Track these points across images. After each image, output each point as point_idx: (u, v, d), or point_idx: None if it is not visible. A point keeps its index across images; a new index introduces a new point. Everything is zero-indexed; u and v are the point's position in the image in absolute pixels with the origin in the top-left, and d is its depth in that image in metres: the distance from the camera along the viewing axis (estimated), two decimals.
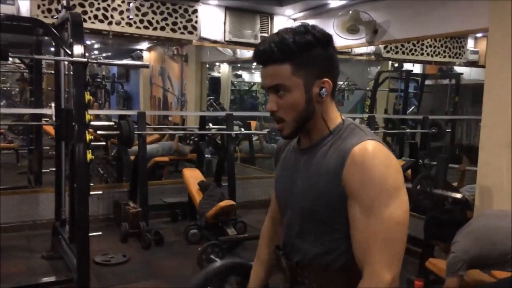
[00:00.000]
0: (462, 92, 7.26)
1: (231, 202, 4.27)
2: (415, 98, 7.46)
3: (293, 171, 1.19)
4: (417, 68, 7.53)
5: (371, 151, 1.03)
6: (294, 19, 5.45)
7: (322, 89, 1.09)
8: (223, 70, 9.04)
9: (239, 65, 10.17)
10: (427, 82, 7.39)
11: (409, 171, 4.83)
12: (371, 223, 1.00)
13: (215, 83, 8.91)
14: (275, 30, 5.48)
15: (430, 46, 6.20)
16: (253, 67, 12.20)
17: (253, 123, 8.62)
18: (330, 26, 4.80)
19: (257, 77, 13.29)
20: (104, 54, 7.85)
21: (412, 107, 7.45)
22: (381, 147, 1.06)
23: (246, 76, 12.84)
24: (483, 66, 6.71)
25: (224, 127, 5.23)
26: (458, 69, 7.13)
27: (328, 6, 4.78)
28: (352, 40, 4.44)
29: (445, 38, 6.16)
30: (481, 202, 3.53)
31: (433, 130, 5.93)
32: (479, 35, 6.32)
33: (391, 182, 1.01)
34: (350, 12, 4.25)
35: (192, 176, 4.71)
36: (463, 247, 2.27)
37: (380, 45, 5.38)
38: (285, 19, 5.50)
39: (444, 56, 6.39)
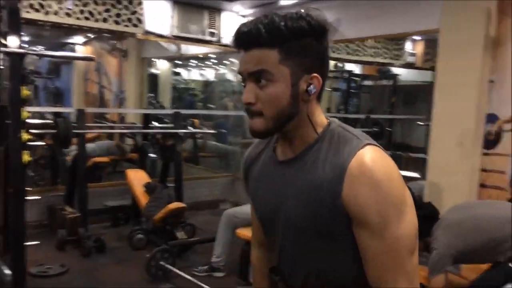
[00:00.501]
0: (399, 92, 7.53)
1: (181, 204, 4.08)
2: (352, 98, 7.60)
3: (277, 187, 1.05)
4: (357, 69, 7.70)
5: (370, 164, 0.91)
6: (243, 16, 5.33)
7: (310, 86, 0.95)
8: (162, 66, 8.73)
9: (180, 62, 9.90)
10: (367, 82, 7.58)
11: None
12: (384, 245, 0.90)
13: (155, 80, 8.59)
14: (224, 27, 5.41)
15: (372, 47, 6.36)
16: (192, 64, 11.95)
17: (196, 121, 8.38)
18: None
19: (195, 74, 13.04)
20: (35, 48, 7.26)
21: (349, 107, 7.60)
22: (378, 154, 0.94)
23: (184, 73, 12.56)
24: (419, 68, 7.05)
25: (167, 125, 5.04)
26: (395, 70, 7.37)
27: (279, 4, 4.71)
28: None
29: (386, 40, 6.34)
30: (430, 199, 3.61)
31: (375, 129, 6.07)
32: (417, 38, 6.57)
33: (397, 197, 0.91)
34: (304, 10, 4.20)
35: (137, 178, 4.45)
36: (445, 241, 2.22)
37: None
38: (233, 16, 5.36)
39: (385, 58, 6.58)
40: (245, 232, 3.51)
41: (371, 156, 0.92)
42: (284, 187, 1.03)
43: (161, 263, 3.51)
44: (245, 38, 0.95)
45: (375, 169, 0.90)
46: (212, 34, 5.27)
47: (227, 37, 5.36)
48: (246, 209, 3.73)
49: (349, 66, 7.33)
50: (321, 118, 1.01)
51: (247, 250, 3.50)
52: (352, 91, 7.04)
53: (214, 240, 3.72)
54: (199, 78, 13.22)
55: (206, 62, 11.75)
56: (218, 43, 5.39)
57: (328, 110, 7.06)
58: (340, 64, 6.82)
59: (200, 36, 5.19)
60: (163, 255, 3.55)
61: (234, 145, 6.85)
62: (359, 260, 0.96)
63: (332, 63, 7.10)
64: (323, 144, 0.98)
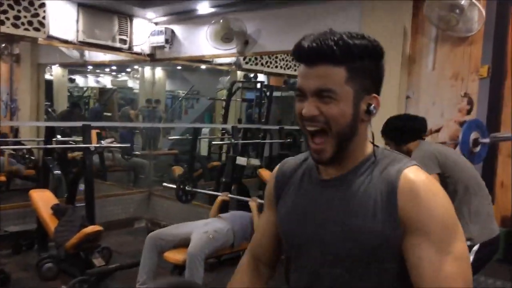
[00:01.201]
0: None
1: (97, 228, 3.70)
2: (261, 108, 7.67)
3: (318, 209, 1.00)
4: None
5: (425, 178, 0.92)
6: (156, 23, 5.09)
7: (370, 106, 0.95)
8: (57, 72, 8.06)
9: (76, 68, 9.23)
10: (275, 93, 7.71)
11: None
12: (445, 261, 0.87)
13: (49, 87, 7.88)
14: (136, 33, 5.11)
15: (283, 59, 6.48)
16: (89, 70, 11.21)
17: (94, 133, 7.82)
18: (199, 34, 4.62)
19: (91, 81, 12.25)
20: None
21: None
22: (427, 174, 0.95)
23: (80, 80, 11.77)
24: None
25: (73, 138, 4.63)
26: None
27: (196, 13, 4.56)
28: (224, 50, 4.30)
29: None
30: None
31: (289, 140, 6.18)
32: None
33: (452, 214, 0.91)
34: (225, 20, 4.11)
35: (43, 199, 3.98)
36: None
37: (240, 56, 5.37)
38: (146, 22, 5.09)
39: (295, 70, 6.74)
40: (174, 256, 3.30)
41: (424, 173, 0.94)
42: (327, 209, 0.98)
43: None
44: (313, 53, 0.92)
45: (431, 185, 0.91)
46: (123, 41, 4.96)
47: (140, 44, 5.08)
48: (172, 231, 3.51)
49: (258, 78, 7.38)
50: (368, 142, 1.01)
51: (176, 274, 3.29)
52: (263, 102, 7.09)
53: (137, 265, 3.44)
54: (96, 85, 12.48)
55: (105, 69, 11.11)
56: (130, 50, 5.08)
57: (240, 121, 7.04)
58: (250, 75, 6.83)
59: (110, 43, 4.84)
60: (81, 286, 3.20)
61: (143, 157, 6.52)
62: None
63: (238, 73, 7.09)
64: (373, 164, 0.97)
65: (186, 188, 4.59)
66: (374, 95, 0.96)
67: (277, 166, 1.16)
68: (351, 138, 0.95)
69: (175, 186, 4.66)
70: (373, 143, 1.01)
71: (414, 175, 0.92)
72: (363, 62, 0.92)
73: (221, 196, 4.02)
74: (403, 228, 0.90)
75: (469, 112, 3.23)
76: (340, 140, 0.93)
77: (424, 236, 0.88)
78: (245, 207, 4.22)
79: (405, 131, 2.58)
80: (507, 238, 2.97)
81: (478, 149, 3.18)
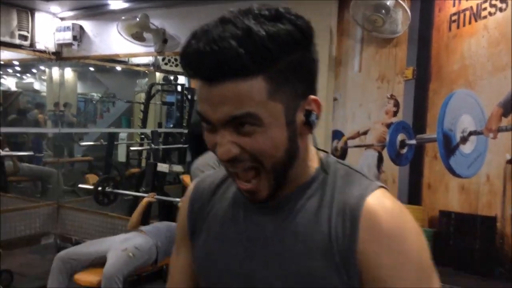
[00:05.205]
0: None
1: None
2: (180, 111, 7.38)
3: (246, 240, 0.75)
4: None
5: (393, 210, 0.68)
6: (62, 18, 4.59)
7: (310, 114, 0.68)
8: None
9: None
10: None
11: None
12: None
13: None
14: (39, 29, 4.58)
15: None
16: None
17: None
18: (111, 31, 4.24)
19: None
20: None
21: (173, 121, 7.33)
22: (395, 199, 0.71)
23: None
24: None
25: None
26: None
27: (108, 7, 4.16)
28: (141, 46, 3.96)
29: None
30: None
31: None
32: None
33: (427, 256, 0.69)
34: (139, 16, 3.77)
35: None
36: None
37: (159, 57, 5.06)
38: (50, 17, 4.58)
39: None
40: (87, 277, 2.93)
41: (391, 202, 0.69)
42: (258, 244, 0.74)
43: None
44: (211, 65, 0.60)
45: (401, 221, 0.68)
46: (23, 37, 4.41)
47: (43, 40, 4.56)
48: (84, 249, 3.14)
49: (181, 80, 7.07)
50: (312, 150, 0.76)
51: None
52: (185, 105, 6.79)
53: None
54: None
55: (8, 70, 10.18)
56: (32, 48, 4.54)
57: (160, 125, 6.68)
58: (170, 77, 6.49)
59: (8, 39, 4.28)
60: None
61: (52, 165, 5.94)
62: None
63: (161, 75, 6.72)
64: (323, 184, 0.73)
65: (106, 189, 4.27)
66: (312, 97, 0.69)
67: (191, 185, 0.88)
68: (292, 165, 0.70)
69: (92, 187, 4.30)
70: (318, 148, 0.77)
71: (381, 207, 0.67)
72: (289, 58, 0.64)
73: (147, 197, 3.64)
74: (362, 274, 0.66)
75: (395, 114, 3.20)
76: (278, 173, 0.69)
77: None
78: (169, 215, 3.93)
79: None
80: (435, 239, 2.98)
81: (405, 150, 3.16)
